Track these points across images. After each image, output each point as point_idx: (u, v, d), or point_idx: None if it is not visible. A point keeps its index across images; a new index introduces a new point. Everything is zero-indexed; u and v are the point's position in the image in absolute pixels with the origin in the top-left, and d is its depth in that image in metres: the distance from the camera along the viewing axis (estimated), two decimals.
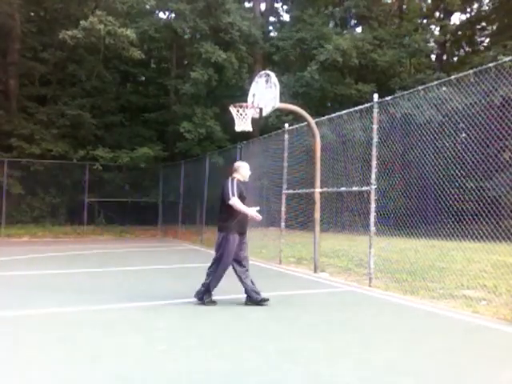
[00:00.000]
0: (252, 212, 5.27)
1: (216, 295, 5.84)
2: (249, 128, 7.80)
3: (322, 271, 8.09)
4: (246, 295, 5.38)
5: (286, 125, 9.75)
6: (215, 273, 5.30)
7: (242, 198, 5.30)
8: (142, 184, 20.11)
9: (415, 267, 7.72)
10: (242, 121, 7.79)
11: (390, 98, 6.99)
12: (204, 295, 5.31)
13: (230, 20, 18.67)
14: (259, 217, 5.31)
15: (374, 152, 6.84)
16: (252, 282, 5.39)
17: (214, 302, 5.31)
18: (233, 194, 5.21)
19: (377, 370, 3.26)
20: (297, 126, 9.64)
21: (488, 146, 7.53)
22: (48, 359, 3.38)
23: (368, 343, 3.92)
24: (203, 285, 5.35)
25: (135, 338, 3.94)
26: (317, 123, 8.50)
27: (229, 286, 6.55)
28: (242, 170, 5.56)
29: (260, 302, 5.29)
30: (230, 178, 5.43)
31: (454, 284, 6.65)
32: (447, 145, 8.34)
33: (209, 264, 5.44)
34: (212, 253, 5.65)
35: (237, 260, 5.34)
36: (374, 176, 6.79)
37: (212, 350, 3.65)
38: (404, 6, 26.42)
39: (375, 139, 6.81)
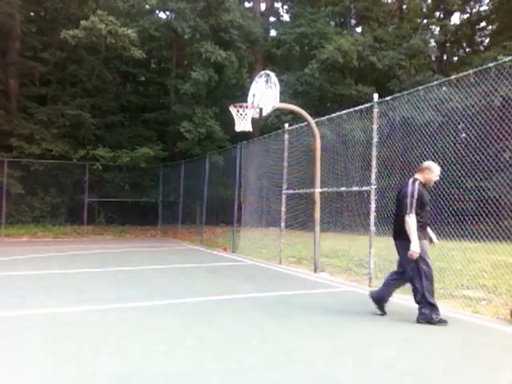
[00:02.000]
0: (414, 246, 4.45)
1: (215, 295, 5.85)
2: (249, 128, 7.82)
3: (322, 271, 8.09)
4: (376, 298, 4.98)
5: (286, 125, 9.75)
6: (423, 286, 4.59)
7: (421, 206, 4.61)
8: (142, 184, 20.12)
9: None
10: (242, 121, 7.80)
11: (389, 97, 7.00)
12: (432, 315, 4.57)
13: (229, 18, 18.66)
14: (415, 254, 4.47)
15: (374, 152, 6.84)
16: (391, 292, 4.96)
17: (444, 322, 4.55)
18: (411, 210, 4.50)
19: (377, 370, 3.26)
20: (297, 126, 9.64)
21: (488, 146, 7.54)
22: (48, 359, 3.38)
23: (368, 343, 3.92)
24: (420, 307, 4.66)
25: (135, 337, 3.94)
26: (317, 123, 8.50)
27: (228, 286, 6.56)
28: (428, 174, 4.75)
29: (380, 310, 4.99)
30: (411, 180, 4.70)
31: (454, 284, 6.66)
32: (447, 145, 8.34)
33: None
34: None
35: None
36: (374, 176, 6.80)
37: (212, 349, 3.65)
38: (404, 6, 26.43)
39: (375, 139, 6.82)
